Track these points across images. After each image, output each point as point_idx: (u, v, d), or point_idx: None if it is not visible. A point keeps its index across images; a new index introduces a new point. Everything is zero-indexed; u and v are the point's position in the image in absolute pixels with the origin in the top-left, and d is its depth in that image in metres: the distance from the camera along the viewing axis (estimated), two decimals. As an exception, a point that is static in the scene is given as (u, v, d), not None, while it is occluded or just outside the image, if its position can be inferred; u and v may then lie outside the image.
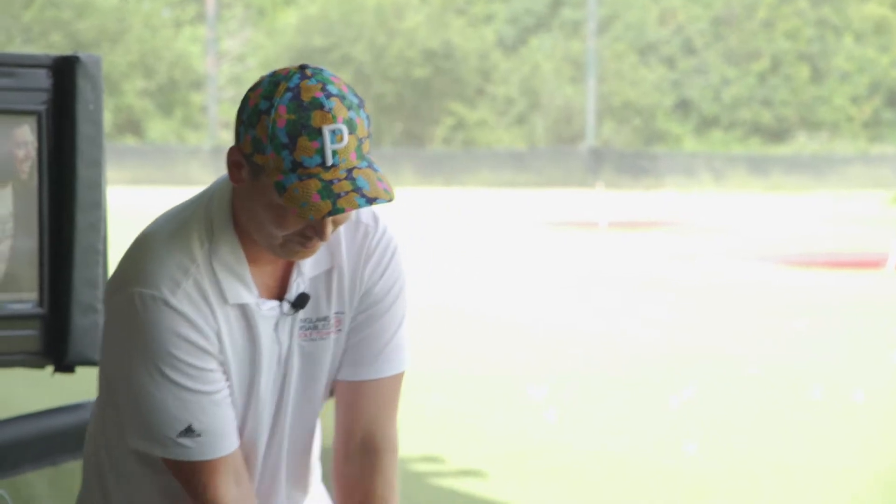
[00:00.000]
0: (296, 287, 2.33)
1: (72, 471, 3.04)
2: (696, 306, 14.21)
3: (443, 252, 19.91)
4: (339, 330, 2.39)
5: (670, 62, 45.05)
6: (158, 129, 42.39)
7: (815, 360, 10.97)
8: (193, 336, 2.24)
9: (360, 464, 2.45)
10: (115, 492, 2.39)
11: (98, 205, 3.34)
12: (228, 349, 2.28)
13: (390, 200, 2.20)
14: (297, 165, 2.15)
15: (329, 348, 2.39)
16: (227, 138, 38.24)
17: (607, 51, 44.60)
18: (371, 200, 2.17)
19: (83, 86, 3.32)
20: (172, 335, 2.23)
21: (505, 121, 44.71)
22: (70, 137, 3.35)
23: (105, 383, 2.33)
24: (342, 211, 2.14)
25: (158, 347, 2.23)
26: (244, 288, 2.28)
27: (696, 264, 18.42)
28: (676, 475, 7.25)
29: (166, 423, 2.25)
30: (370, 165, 2.20)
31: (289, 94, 2.16)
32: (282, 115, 2.15)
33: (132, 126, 42.06)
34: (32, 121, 3.35)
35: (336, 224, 2.25)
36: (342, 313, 2.39)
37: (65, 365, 3.19)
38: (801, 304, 14.41)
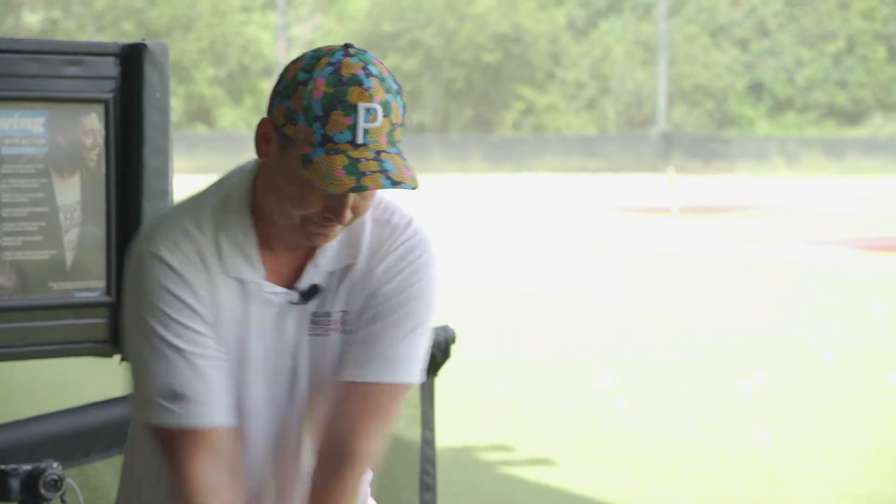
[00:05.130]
0: (308, 277, 2.28)
1: (140, 459, 3.05)
2: (769, 291, 14.08)
3: (513, 238, 19.87)
4: (346, 331, 2.30)
5: (743, 44, 44.65)
6: (228, 116, 42.65)
7: (891, 345, 10.82)
8: (185, 295, 2.23)
9: (324, 468, 2.31)
10: (139, 470, 2.40)
11: (165, 193, 3.33)
12: (224, 318, 2.25)
13: (414, 188, 2.15)
14: (326, 140, 2.13)
15: (332, 347, 2.30)
16: (298, 124, 38.37)
17: (679, 33, 44.27)
18: (396, 183, 2.12)
19: (150, 74, 3.31)
20: (164, 291, 2.23)
21: (575, 105, 44.53)
22: (137, 125, 3.35)
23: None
24: (365, 188, 2.11)
25: (150, 303, 2.23)
26: (248, 265, 2.26)
27: (769, 249, 18.25)
28: (748, 462, 7.18)
29: (152, 382, 2.23)
30: (399, 153, 2.17)
31: (329, 69, 2.15)
32: (319, 87, 2.14)
33: (202, 114, 42.35)
34: (100, 109, 3.35)
35: (356, 212, 2.20)
36: (347, 312, 2.30)
37: (132, 354, 3.20)
38: (878, 287, 14.23)
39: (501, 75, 44.45)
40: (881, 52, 43.49)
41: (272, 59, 43.38)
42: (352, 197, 2.18)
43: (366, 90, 2.14)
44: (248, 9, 44.93)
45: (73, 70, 3.25)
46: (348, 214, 2.19)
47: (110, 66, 3.29)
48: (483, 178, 34.63)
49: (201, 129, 41.52)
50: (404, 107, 2.19)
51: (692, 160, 38.19)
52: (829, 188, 32.01)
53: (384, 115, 2.15)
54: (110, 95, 3.29)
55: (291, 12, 44.21)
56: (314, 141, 2.14)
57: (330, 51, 2.18)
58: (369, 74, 2.15)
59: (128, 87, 3.30)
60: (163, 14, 42.50)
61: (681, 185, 29.45)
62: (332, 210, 2.18)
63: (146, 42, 3.31)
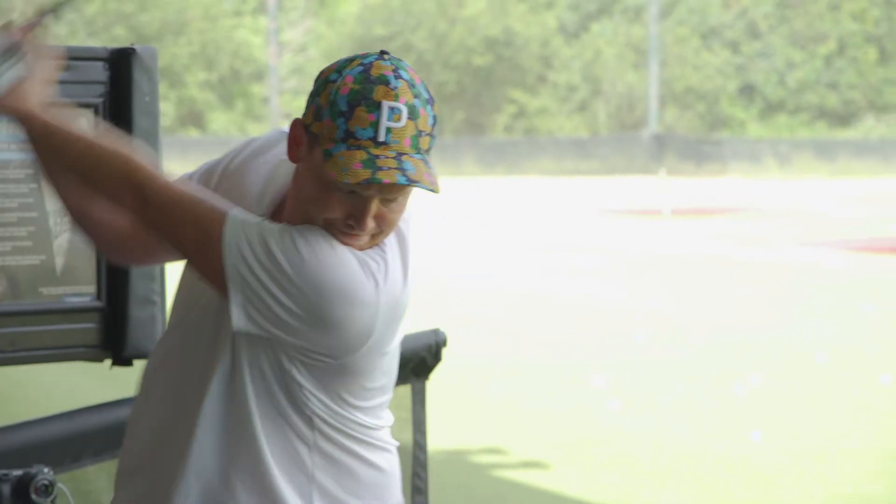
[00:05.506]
0: None
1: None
2: (762, 292, 14.09)
3: (506, 240, 19.87)
4: None
5: (734, 46, 44.69)
6: (220, 120, 42.62)
7: (883, 345, 10.83)
8: None
9: None
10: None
11: (155, 197, 3.32)
12: None
13: (434, 191, 2.15)
14: (348, 135, 2.13)
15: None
16: (290, 128, 38.34)
17: (670, 35, 44.32)
18: (412, 181, 2.12)
19: (139, 78, 3.31)
20: None
21: (567, 108, 44.56)
22: (126, 129, 3.34)
23: None
24: (379, 181, 2.10)
25: None
26: None
27: (761, 250, 18.26)
28: (742, 463, 7.18)
29: None
30: (424, 160, 2.16)
31: (360, 68, 2.17)
32: (347, 83, 2.16)
33: (194, 118, 42.33)
34: (90, 113, 3.35)
35: (381, 224, 2.18)
36: None
37: (123, 358, 3.19)
38: (869, 288, 14.25)
39: (493, 78, 44.46)
40: (872, 53, 43.55)
41: (263, 64, 43.36)
42: (375, 204, 2.17)
43: (392, 90, 2.15)
44: (239, 13, 44.92)
45: (62, 75, 3.24)
46: (370, 223, 2.17)
47: (99, 71, 3.29)
48: (476, 181, 34.63)
49: (193, 133, 41.48)
50: (435, 119, 2.19)
51: (684, 162, 38.22)
52: (821, 190, 32.05)
53: (409, 118, 2.15)
54: (100, 100, 3.28)
55: (282, 16, 44.21)
56: (336, 137, 2.14)
57: (365, 55, 2.20)
58: (398, 77, 2.17)
59: (117, 92, 3.30)
60: (154, 19, 42.47)
61: (673, 187, 29.48)
62: (355, 216, 2.16)
63: (135, 46, 3.31)
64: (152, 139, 3.36)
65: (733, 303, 13.35)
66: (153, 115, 3.38)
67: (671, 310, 12.91)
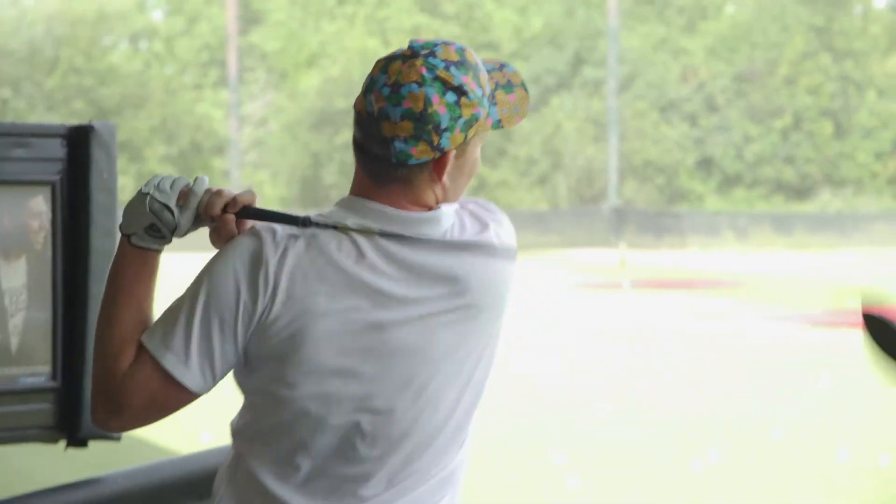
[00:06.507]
0: None
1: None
2: (720, 367, 14.11)
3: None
4: None
5: (692, 120, 45.08)
6: (181, 193, 42.43)
7: (841, 420, 10.85)
8: None
9: None
10: None
11: (112, 275, 3.29)
12: None
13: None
14: (488, 98, 2.53)
15: None
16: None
17: (629, 109, 44.68)
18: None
19: (97, 155, 3.30)
20: None
21: (527, 181, 44.75)
22: (84, 207, 3.33)
23: None
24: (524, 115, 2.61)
25: None
26: None
27: (720, 324, 18.31)
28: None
29: None
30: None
31: (444, 63, 2.41)
32: (465, 81, 2.43)
33: (155, 191, 42.13)
34: (47, 191, 3.33)
35: None
36: None
37: (78, 439, 3.15)
38: (826, 363, 14.29)
39: (453, 152, 44.59)
40: (827, 127, 44.02)
41: (224, 137, 43.38)
42: None
43: (471, 57, 2.46)
44: (199, 86, 44.98)
45: (19, 152, 3.23)
46: None
47: (57, 148, 3.28)
48: (435, 254, 34.59)
49: (153, 207, 41.31)
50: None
51: (644, 235, 38.39)
52: (779, 263, 32.23)
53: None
54: (57, 177, 3.27)
55: (243, 90, 44.29)
56: (484, 110, 2.51)
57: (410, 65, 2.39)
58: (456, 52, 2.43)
59: (75, 169, 3.28)
60: (114, 93, 42.46)
61: (633, 260, 29.58)
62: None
63: (93, 123, 3.30)
64: (110, 217, 3.35)
65: (691, 376, 13.35)
66: (112, 192, 3.36)
67: (630, 383, 12.90)
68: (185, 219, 2.31)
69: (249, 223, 2.32)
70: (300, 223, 2.29)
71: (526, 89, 2.49)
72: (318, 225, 2.27)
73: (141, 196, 2.31)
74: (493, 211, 2.53)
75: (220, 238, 2.32)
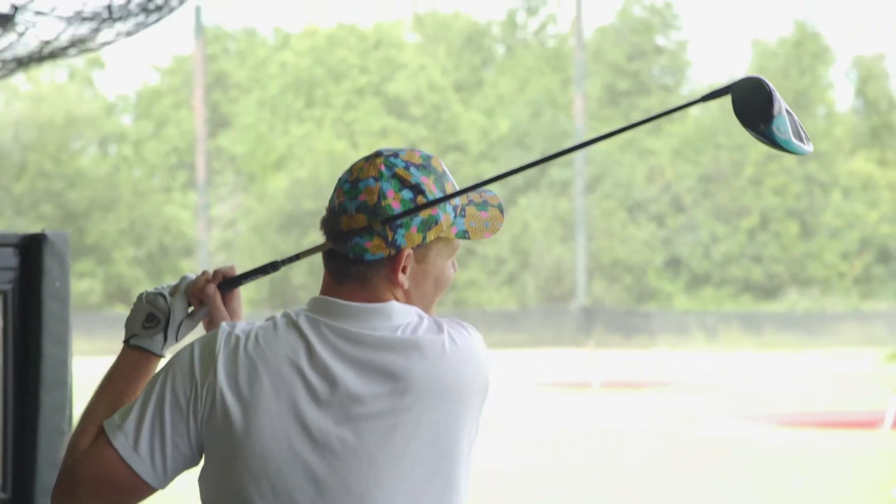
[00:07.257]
0: None
1: None
2: (690, 467, 14.05)
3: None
4: None
5: (659, 220, 45.38)
6: (149, 295, 42.31)
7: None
8: None
9: None
10: None
11: (64, 383, 3.27)
12: None
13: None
14: (456, 209, 2.53)
15: None
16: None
17: (596, 209, 44.96)
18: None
19: (49, 263, 3.28)
20: None
21: (495, 281, 44.84)
22: (36, 315, 3.30)
23: None
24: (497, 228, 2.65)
25: None
26: None
27: (689, 424, 18.26)
28: None
29: None
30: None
31: (404, 164, 2.43)
32: (425, 182, 2.43)
33: (122, 295, 42.08)
34: (-2, 299, 3.30)
35: None
36: None
37: (26, 553, 3.09)
38: (796, 462, 14.25)
39: (422, 252, 44.71)
40: (793, 227, 44.37)
41: (192, 239, 43.39)
42: None
43: (435, 162, 2.47)
44: (168, 189, 45.07)
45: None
46: None
47: (9, 257, 3.25)
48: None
49: (121, 310, 41.20)
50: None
51: (612, 334, 38.44)
52: (747, 362, 32.27)
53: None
54: (9, 286, 3.25)
55: (212, 192, 44.40)
56: (452, 216, 2.50)
57: (376, 172, 2.40)
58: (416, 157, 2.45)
59: (27, 277, 3.26)
60: (83, 196, 42.49)
61: (602, 360, 29.56)
62: (453, 266, 2.57)
63: (46, 232, 3.28)
64: (62, 325, 3.32)
65: (661, 477, 13.28)
66: (64, 300, 3.34)
67: (598, 484, 12.82)
68: (178, 302, 2.46)
69: (230, 304, 2.51)
70: (273, 268, 2.50)
71: (502, 211, 2.49)
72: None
73: (137, 299, 2.50)
74: (463, 325, 2.48)
75: (213, 325, 2.48)
